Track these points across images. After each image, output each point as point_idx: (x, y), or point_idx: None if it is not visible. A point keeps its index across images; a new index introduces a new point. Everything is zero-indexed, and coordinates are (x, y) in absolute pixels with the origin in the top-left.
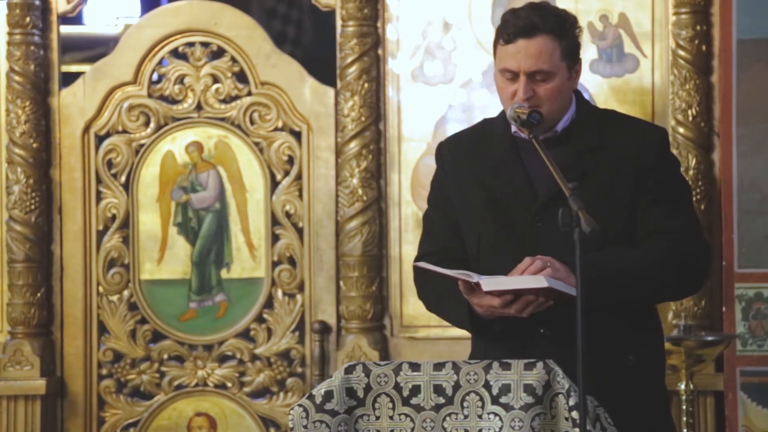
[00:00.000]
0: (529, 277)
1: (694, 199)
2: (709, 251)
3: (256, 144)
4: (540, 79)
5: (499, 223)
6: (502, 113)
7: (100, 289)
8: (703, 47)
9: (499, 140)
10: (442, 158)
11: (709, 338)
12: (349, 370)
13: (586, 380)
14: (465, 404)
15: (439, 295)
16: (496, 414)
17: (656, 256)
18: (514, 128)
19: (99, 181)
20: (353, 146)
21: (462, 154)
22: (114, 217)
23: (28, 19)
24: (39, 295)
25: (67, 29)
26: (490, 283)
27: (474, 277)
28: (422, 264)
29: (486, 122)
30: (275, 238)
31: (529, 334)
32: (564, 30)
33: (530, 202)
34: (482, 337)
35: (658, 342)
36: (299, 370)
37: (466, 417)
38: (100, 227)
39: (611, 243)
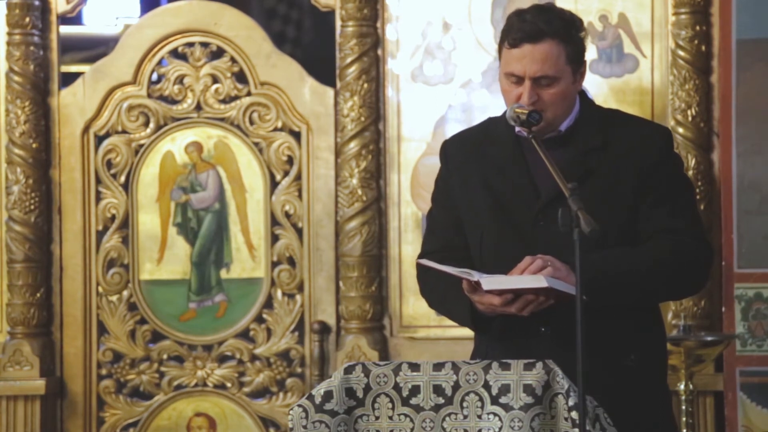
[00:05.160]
0: (528, 277)
1: None
2: (711, 252)
3: (256, 144)
4: (545, 84)
5: (502, 222)
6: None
7: (100, 289)
8: (703, 47)
9: (503, 140)
10: (446, 156)
11: (709, 338)
12: (348, 370)
13: (586, 380)
14: (464, 404)
15: (441, 293)
16: (495, 414)
17: (659, 256)
18: (517, 128)
19: (99, 181)
20: (353, 146)
21: (466, 153)
22: (113, 218)
23: (27, 20)
24: (39, 295)
25: (66, 29)
26: (490, 282)
27: (474, 276)
28: (424, 261)
29: (490, 121)
30: (275, 238)
31: (531, 333)
32: (570, 34)
33: (533, 201)
34: (484, 336)
35: (659, 342)
36: (299, 370)
37: (465, 417)
38: (100, 227)
39: (614, 242)
